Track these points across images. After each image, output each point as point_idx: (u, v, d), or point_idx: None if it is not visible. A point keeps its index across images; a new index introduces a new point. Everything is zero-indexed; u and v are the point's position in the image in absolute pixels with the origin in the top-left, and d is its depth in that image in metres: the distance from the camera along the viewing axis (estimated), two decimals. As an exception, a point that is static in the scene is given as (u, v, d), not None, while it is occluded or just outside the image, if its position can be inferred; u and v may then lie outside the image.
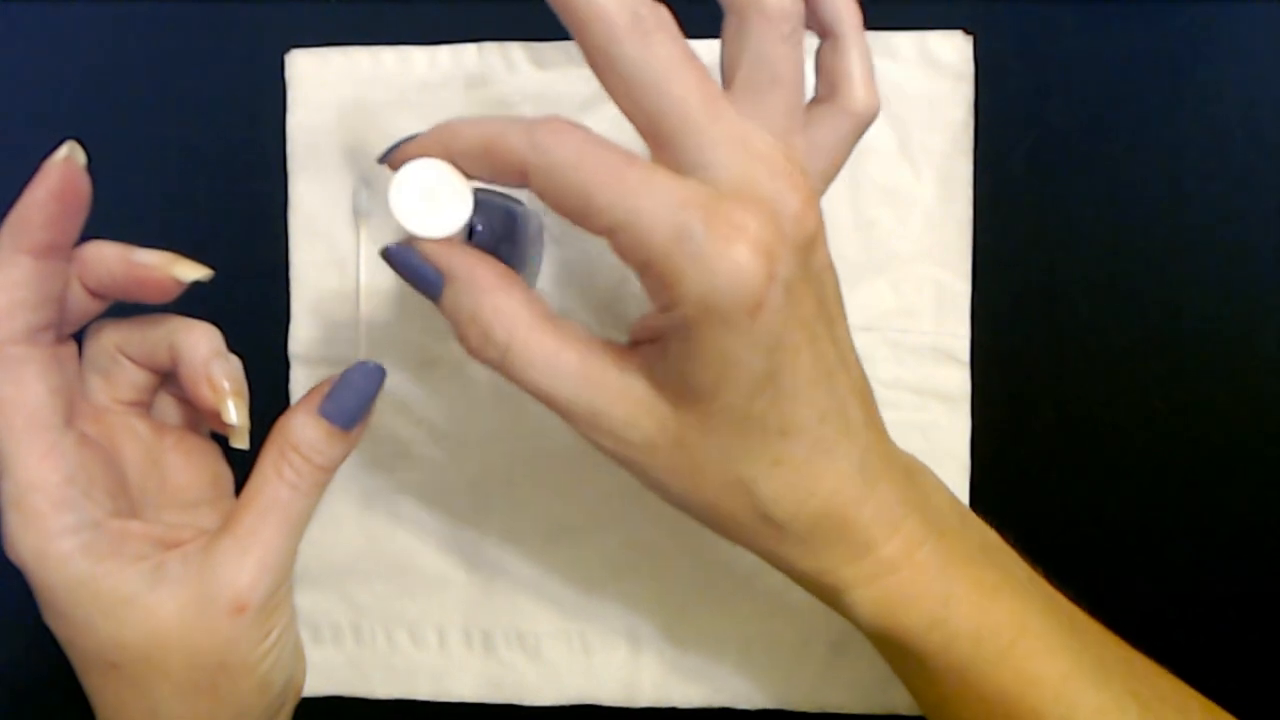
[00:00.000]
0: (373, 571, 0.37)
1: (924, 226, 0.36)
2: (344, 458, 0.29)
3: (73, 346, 0.30)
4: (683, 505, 0.27)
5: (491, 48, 0.37)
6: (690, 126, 0.23)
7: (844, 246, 0.36)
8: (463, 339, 0.25)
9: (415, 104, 0.37)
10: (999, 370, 0.36)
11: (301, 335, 0.37)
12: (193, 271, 0.29)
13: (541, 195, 0.23)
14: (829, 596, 0.28)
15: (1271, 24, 0.36)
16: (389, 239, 0.26)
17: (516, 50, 0.37)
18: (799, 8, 0.25)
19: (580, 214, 0.23)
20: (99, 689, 0.28)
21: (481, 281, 0.25)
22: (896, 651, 0.28)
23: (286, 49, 0.37)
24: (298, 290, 0.37)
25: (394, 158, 0.26)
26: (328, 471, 0.29)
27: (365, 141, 0.37)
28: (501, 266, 0.26)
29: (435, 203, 0.25)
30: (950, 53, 0.35)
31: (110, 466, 0.29)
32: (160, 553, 0.28)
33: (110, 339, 0.30)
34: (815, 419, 0.25)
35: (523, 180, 0.24)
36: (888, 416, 0.36)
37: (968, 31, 0.35)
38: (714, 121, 0.23)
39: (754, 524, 0.26)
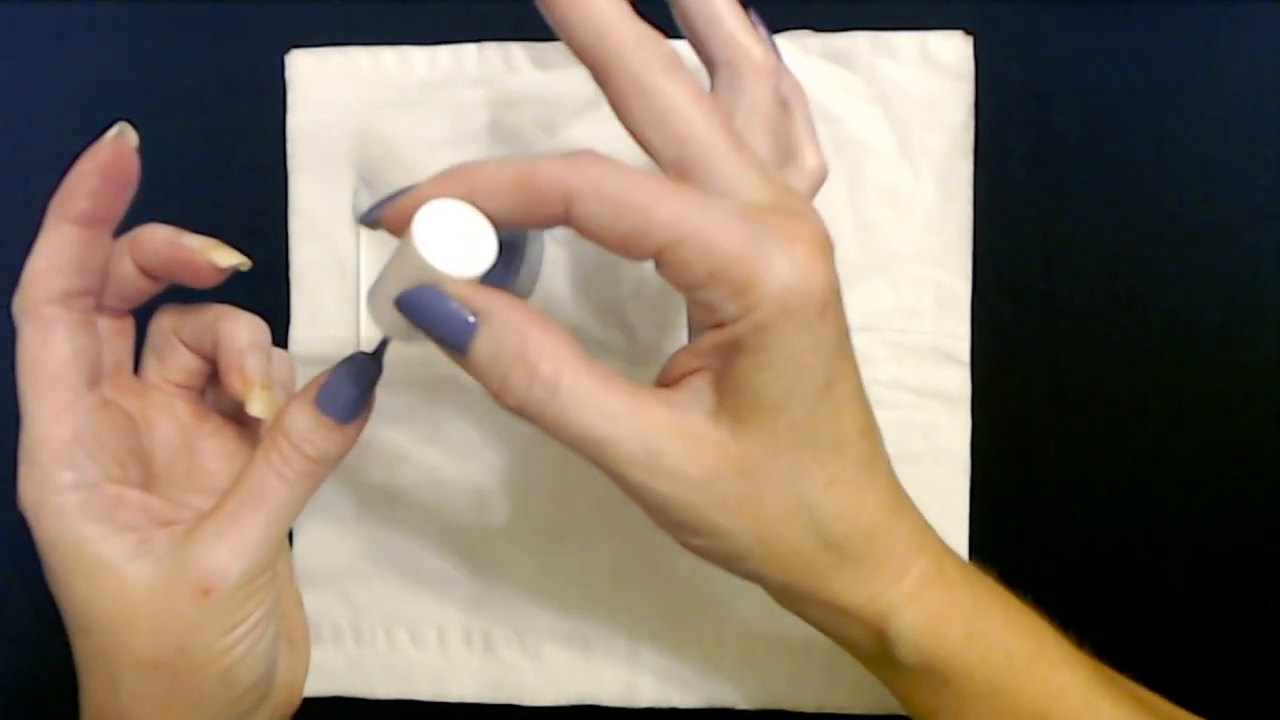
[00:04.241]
0: (373, 571, 0.37)
1: (924, 227, 0.36)
2: (339, 453, 0.29)
3: (127, 321, 0.32)
4: (737, 548, 0.25)
5: (491, 48, 0.37)
6: (719, 153, 0.23)
7: (844, 247, 0.35)
8: (503, 383, 0.24)
9: (415, 104, 0.37)
10: (999, 370, 0.36)
11: (301, 335, 0.37)
12: (228, 258, 0.30)
13: (587, 220, 0.23)
14: (873, 633, 0.27)
15: (1271, 24, 0.36)
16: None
17: (516, 50, 0.37)
18: (778, 62, 0.28)
19: (637, 233, 0.22)
20: (76, 649, 0.29)
21: (523, 320, 0.24)
22: (936, 680, 0.27)
23: (286, 49, 0.37)
24: (298, 290, 0.37)
25: (403, 203, 0.24)
26: (318, 464, 0.29)
27: (365, 141, 0.37)
28: (535, 308, 0.24)
29: (460, 242, 0.23)
30: (950, 53, 0.35)
31: (130, 436, 0.30)
32: (153, 527, 0.29)
33: (168, 322, 0.32)
34: (858, 433, 0.25)
35: (560, 210, 0.23)
36: (887, 416, 0.36)
37: (968, 31, 0.35)
38: (739, 149, 0.24)
39: (813, 552, 0.25)
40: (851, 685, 0.36)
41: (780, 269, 0.23)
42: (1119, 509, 0.36)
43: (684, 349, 0.25)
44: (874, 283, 0.36)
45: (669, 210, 0.22)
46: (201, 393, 0.33)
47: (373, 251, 0.37)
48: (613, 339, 0.36)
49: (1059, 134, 0.36)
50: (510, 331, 0.23)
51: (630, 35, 0.23)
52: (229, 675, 0.29)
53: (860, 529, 0.25)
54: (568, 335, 0.24)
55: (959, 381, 0.36)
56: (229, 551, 0.28)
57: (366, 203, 0.37)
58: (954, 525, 0.36)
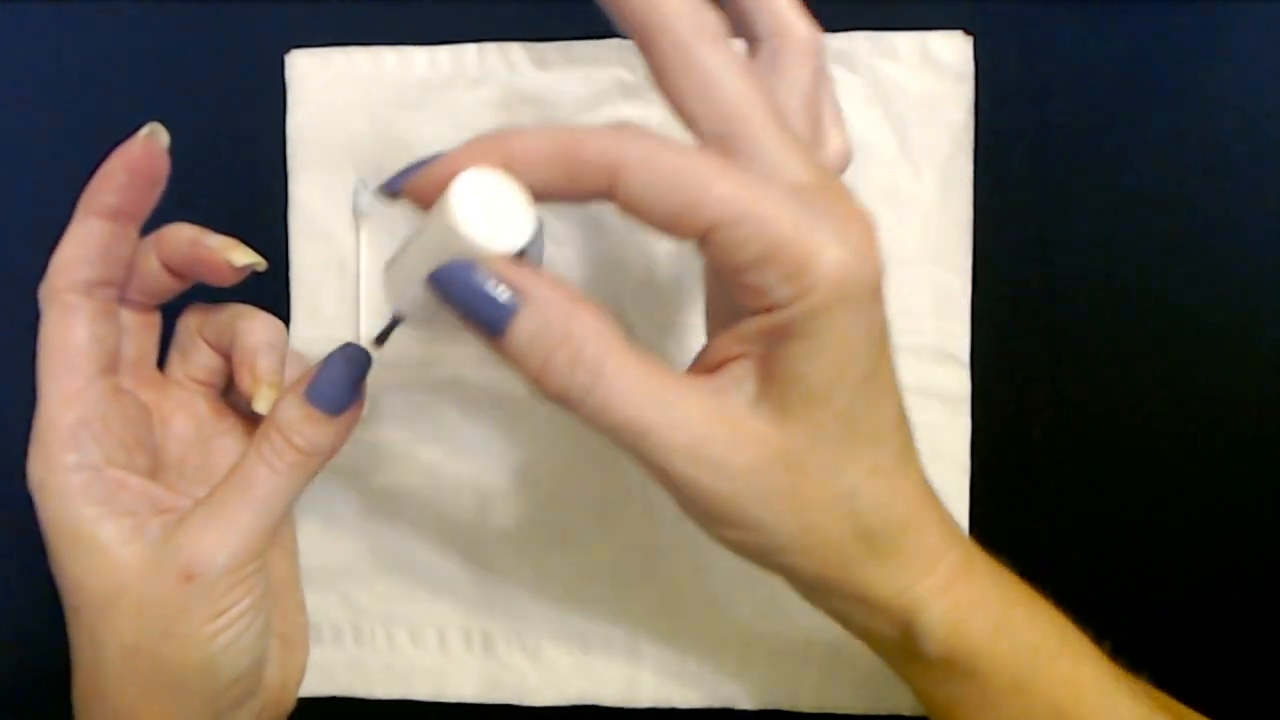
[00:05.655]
0: (373, 572, 0.37)
1: (924, 226, 0.36)
2: (329, 445, 0.29)
3: (154, 316, 0.33)
4: (775, 541, 0.25)
5: (491, 48, 0.37)
6: (763, 130, 0.23)
7: (844, 246, 0.36)
8: (543, 368, 0.23)
9: (415, 104, 0.37)
10: (999, 370, 0.36)
11: (301, 335, 0.37)
12: (244, 257, 0.31)
13: (635, 195, 0.22)
14: (899, 626, 0.26)
15: (1271, 24, 0.36)
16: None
17: (516, 50, 0.37)
18: (822, 41, 0.27)
19: (687, 210, 0.22)
20: (69, 629, 0.30)
21: (567, 300, 0.23)
22: (959, 674, 0.27)
23: (286, 49, 0.37)
24: (298, 290, 0.37)
25: (433, 171, 0.23)
26: (308, 455, 0.29)
27: (365, 142, 0.37)
28: (576, 287, 0.23)
29: (498, 216, 0.22)
30: (950, 53, 0.35)
31: (140, 425, 0.31)
32: (150, 513, 0.29)
33: (193, 320, 0.33)
34: (895, 423, 0.25)
35: (604, 184, 0.22)
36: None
37: (968, 31, 0.35)
38: (782, 128, 0.23)
39: (849, 543, 0.25)
40: (850, 685, 0.36)
41: (835, 252, 0.22)
42: (1119, 509, 0.36)
43: (725, 334, 0.24)
44: (874, 283, 0.36)
45: (722, 188, 0.21)
46: (223, 391, 0.34)
47: (372, 251, 0.37)
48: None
49: (1059, 134, 0.36)
50: (555, 312, 0.22)
51: (677, 1, 0.23)
52: (212, 664, 0.29)
53: (895, 520, 0.25)
54: (612, 317, 0.23)
55: (959, 381, 0.36)
56: (215, 537, 0.28)
57: (367, 202, 0.37)
58: (954, 525, 0.36)
